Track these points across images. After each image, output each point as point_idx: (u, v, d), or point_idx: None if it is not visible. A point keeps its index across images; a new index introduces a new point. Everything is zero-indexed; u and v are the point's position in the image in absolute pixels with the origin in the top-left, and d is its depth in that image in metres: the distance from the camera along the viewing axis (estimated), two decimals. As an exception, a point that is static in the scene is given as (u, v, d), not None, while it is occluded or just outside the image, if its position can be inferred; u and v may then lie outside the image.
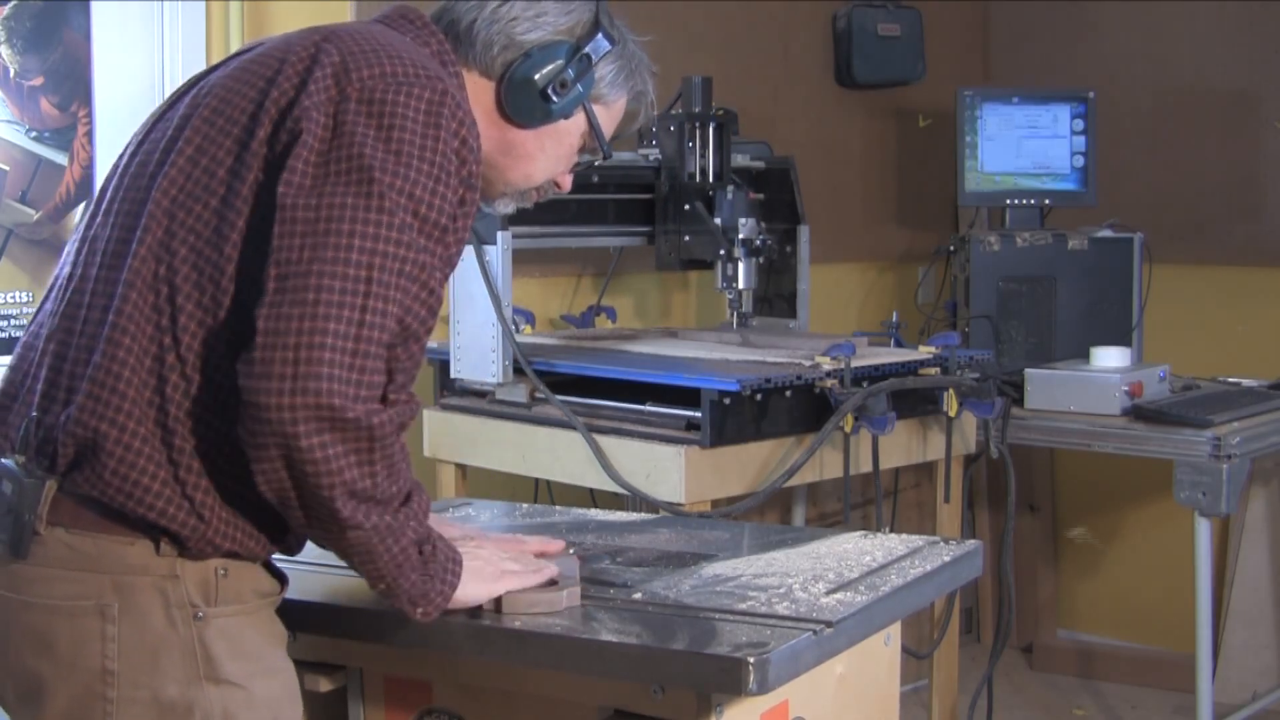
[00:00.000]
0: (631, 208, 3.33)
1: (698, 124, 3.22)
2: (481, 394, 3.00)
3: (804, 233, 3.45)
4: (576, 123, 1.76)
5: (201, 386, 1.54)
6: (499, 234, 2.86)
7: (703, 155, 3.23)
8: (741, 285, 3.23)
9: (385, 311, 1.48)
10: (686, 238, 3.23)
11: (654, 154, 3.27)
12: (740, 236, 3.18)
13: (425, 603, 1.61)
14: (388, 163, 1.51)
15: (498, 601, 1.70)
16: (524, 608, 1.70)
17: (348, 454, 1.46)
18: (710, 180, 3.24)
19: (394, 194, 1.50)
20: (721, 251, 3.19)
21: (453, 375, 2.97)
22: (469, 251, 2.84)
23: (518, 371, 2.89)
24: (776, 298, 3.49)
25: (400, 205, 1.50)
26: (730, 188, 3.24)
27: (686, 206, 3.23)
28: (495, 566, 1.72)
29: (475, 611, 1.70)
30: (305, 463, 1.45)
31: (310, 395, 1.43)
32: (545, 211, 3.07)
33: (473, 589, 1.67)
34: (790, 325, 3.46)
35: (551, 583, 1.76)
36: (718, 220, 3.20)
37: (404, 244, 1.50)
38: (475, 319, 2.89)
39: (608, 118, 1.79)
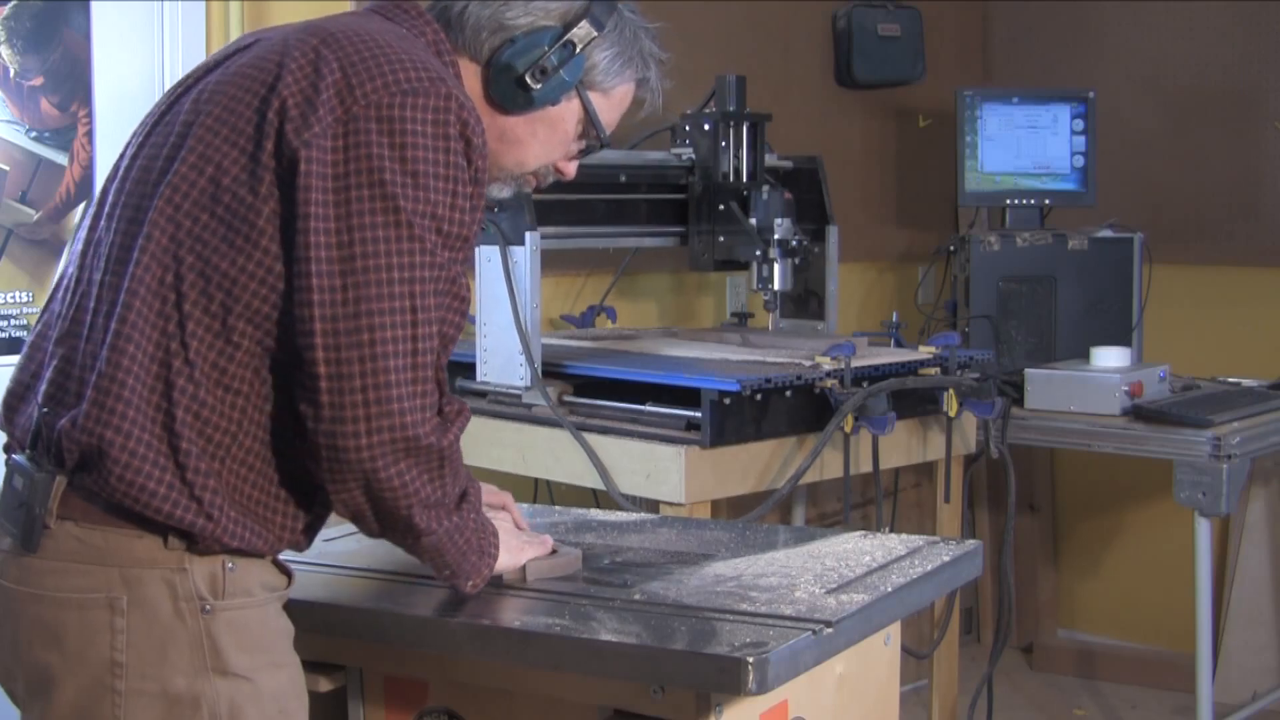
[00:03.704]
0: (663, 208, 3.28)
1: (731, 123, 3.20)
2: (481, 393, 3.00)
3: (833, 233, 3.42)
4: (571, 109, 1.75)
5: (210, 390, 1.55)
6: (527, 235, 2.80)
7: (736, 155, 3.21)
8: (777, 286, 3.17)
9: (431, 334, 1.56)
10: (721, 238, 3.19)
11: (686, 153, 3.24)
12: (776, 237, 3.14)
13: (476, 576, 1.72)
14: (407, 187, 1.53)
15: (522, 571, 1.83)
16: (547, 572, 1.84)
17: (422, 474, 1.57)
18: (744, 180, 3.21)
19: (419, 218, 1.54)
20: (758, 252, 3.15)
21: (479, 378, 2.93)
22: (495, 254, 2.82)
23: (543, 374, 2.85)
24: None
25: (426, 227, 1.54)
26: (765, 187, 3.20)
27: (721, 206, 3.19)
28: (517, 538, 1.84)
29: (497, 581, 1.79)
30: (384, 490, 1.55)
31: (386, 432, 1.52)
32: (574, 212, 3.07)
33: (505, 558, 1.79)
34: (818, 327, 3.43)
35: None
36: (753, 220, 3.16)
37: (436, 264, 1.56)
38: (502, 321, 2.84)
39: (608, 105, 1.78)
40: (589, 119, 1.76)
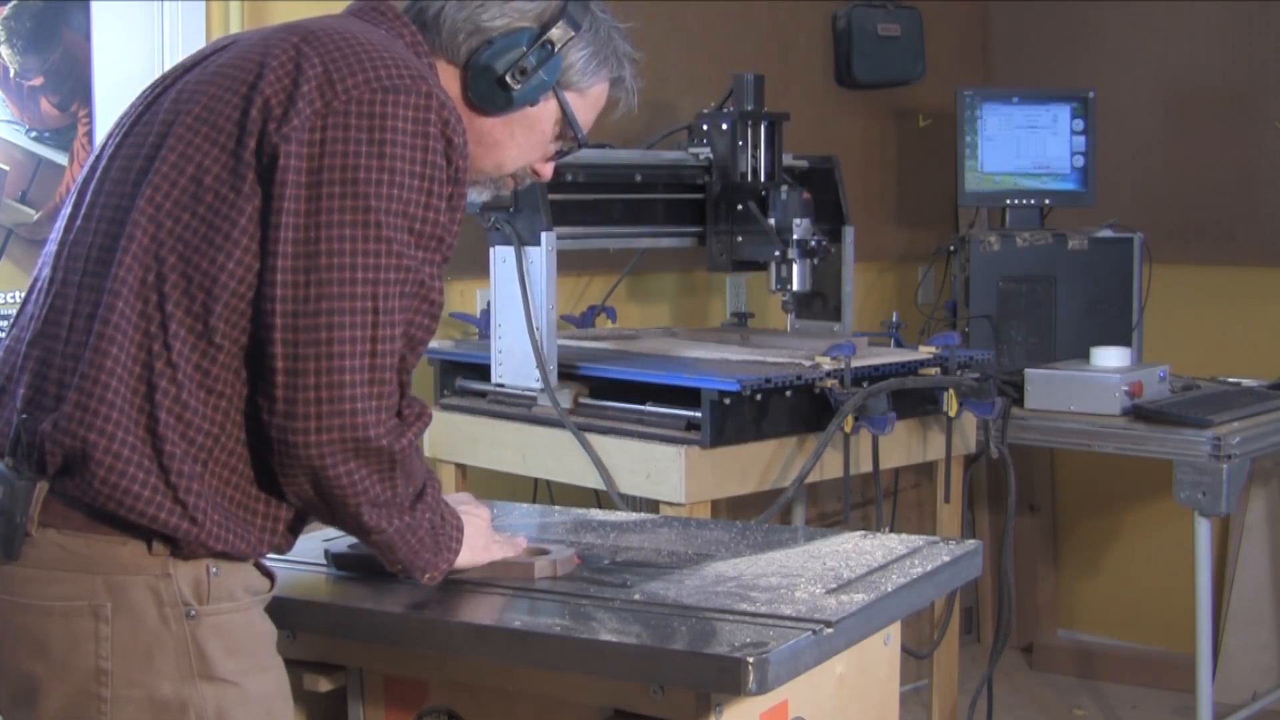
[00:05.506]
0: (680, 208, 3.25)
1: (749, 122, 3.19)
2: (482, 394, 3.00)
3: (849, 233, 3.40)
4: (548, 110, 1.76)
5: (193, 393, 1.54)
6: (543, 235, 2.77)
7: (754, 154, 3.19)
8: (795, 287, 3.13)
9: (393, 336, 1.55)
10: (739, 238, 3.17)
11: (704, 153, 3.21)
12: (795, 237, 3.10)
13: (433, 569, 1.72)
14: (381, 185, 1.53)
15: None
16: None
17: (371, 474, 1.57)
18: (762, 180, 3.19)
19: (390, 217, 1.53)
20: (777, 253, 3.12)
21: (494, 380, 2.90)
22: (510, 254, 2.81)
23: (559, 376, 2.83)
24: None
25: (396, 226, 1.54)
26: (784, 187, 3.17)
27: (739, 206, 3.16)
28: (485, 536, 1.84)
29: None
30: (333, 487, 1.55)
31: (336, 431, 1.52)
32: (590, 212, 3.06)
33: (467, 555, 1.77)
34: (834, 328, 3.42)
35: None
36: (771, 220, 3.13)
37: (404, 266, 1.55)
38: (517, 323, 2.80)
39: (584, 105, 1.79)
40: (566, 119, 1.77)
